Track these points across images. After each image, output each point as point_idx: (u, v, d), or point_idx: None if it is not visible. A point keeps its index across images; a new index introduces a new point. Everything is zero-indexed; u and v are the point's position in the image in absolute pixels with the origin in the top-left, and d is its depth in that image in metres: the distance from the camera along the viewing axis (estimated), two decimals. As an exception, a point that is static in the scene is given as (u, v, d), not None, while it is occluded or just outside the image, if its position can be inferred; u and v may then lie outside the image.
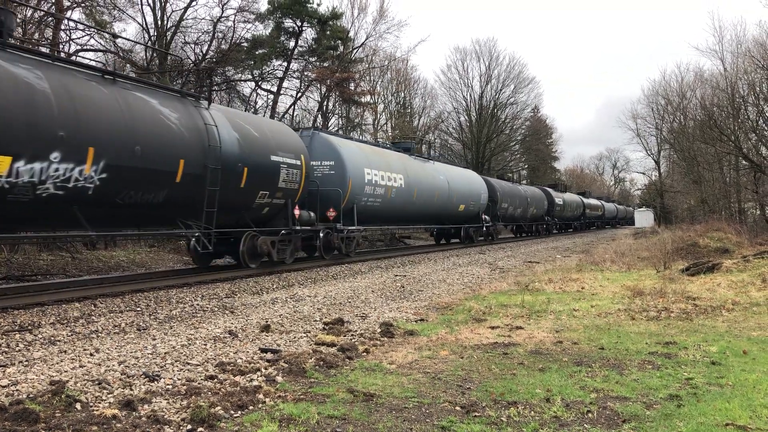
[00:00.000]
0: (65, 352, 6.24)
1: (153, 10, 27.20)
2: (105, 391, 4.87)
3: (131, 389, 4.95)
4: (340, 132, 34.04)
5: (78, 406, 4.48)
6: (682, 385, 5.18)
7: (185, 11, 27.93)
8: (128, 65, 26.46)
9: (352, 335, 7.32)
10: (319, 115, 37.40)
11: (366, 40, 38.89)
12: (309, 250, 17.64)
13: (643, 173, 65.87)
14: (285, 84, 34.37)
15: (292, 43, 33.41)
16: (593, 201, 60.80)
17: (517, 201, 34.80)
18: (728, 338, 7.06)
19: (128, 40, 20.50)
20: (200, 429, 4.11)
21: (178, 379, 5.27)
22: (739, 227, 22.43)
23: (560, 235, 45.46)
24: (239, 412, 4.47)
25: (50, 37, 21.82)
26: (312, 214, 15.97)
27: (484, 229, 29.40)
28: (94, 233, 10.23)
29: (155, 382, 5.16)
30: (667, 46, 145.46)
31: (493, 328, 7.74)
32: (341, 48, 36.02)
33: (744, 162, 27.80)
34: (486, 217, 29.25)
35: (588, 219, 57.48)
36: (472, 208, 27.57)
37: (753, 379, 5.28)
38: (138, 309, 9.03)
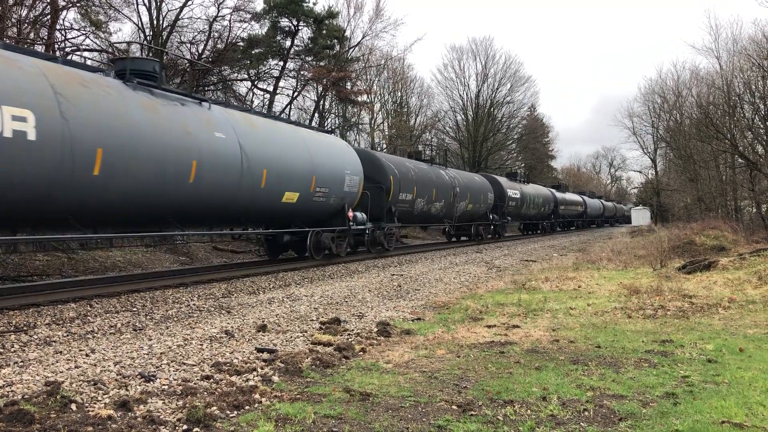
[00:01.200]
0: (61, 352, 6.22)
1: (149, 9, 27.12)
2: (100, 392, 4.85)
3: (127, 390, 4.94)
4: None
5: (73, 406, 4.46)
6: (678, 383, 5.19)
7: (181, 11, 27.86)
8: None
9: (349, 335, 7.31)
10: (316, 114, 37.38)
11: (362, 39, 38.94)
12: None
13: (640, 171, 65.93)
14: (281, 83, 34.37)
15: (288, 43, 33.39)
16: (571, 196, 51.82)
17: (434, 191, 23.62)
18: (724, 336, 7.07)
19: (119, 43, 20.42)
20: (196, 429, 4.09)
21: (174, 380, 5.25)
22: (735, 225, 22.50)
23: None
24: (235, 412, 4.45)
25: (45, 37, 21.75)
26: None
27: (367, 236, 19.07)
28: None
29: (151, 383, 5.14)
30: (663, 44, 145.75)
31: (489, 326, 7.74)
32: (337, 47, 36.01)
33: (740, 160, 27.87)
34: (359, 214, 18.21)
35: (563, 218, 48.43)
36: (321, 200, 15.83)
37: (749, 377, 5.29)
38: (134, 309, 9.00)
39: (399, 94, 50.24)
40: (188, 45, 29.85)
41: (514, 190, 34.68)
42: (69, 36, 23.86)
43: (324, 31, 33.94)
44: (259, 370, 5.61)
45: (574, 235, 41.86)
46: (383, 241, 20.08)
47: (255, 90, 34.25)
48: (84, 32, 24.14)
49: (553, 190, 45.95)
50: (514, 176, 38.93)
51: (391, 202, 20.23)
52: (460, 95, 56.55)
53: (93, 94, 9.95)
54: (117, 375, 5.35)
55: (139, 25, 27.79)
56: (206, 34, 29.53)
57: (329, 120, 40.11)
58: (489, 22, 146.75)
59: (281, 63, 33.52)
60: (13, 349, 6.37)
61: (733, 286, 10.60)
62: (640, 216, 67.97)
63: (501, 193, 32.45)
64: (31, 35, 21.65)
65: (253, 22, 31.93)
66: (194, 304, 9.52)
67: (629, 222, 76.17)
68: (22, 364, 5.75)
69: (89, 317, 8.30)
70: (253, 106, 33.34)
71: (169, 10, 28.31)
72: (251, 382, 5.20)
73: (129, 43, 25.90)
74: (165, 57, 26.57)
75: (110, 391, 4.87)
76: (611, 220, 72.77)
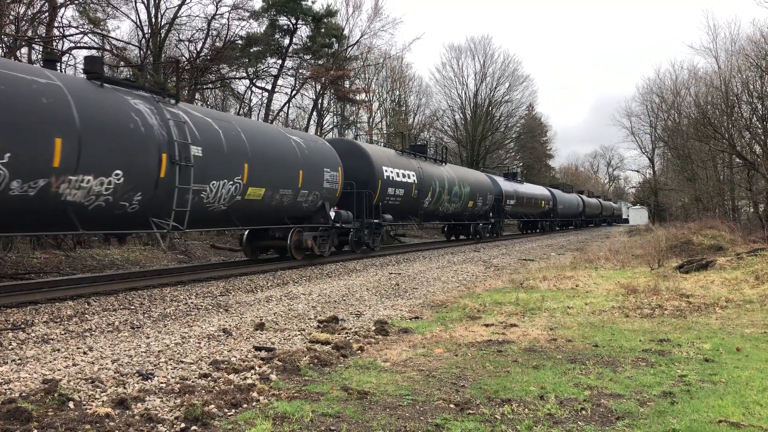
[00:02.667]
0: (58, 350, 6.22)
1: (147, 7, 27.05)
2: (98, 390, 4.85)
3: (125, 388, 4.93)
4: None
5: (71, 404, 4.46)
6: (675, 382, 5.20)
7: (179, 8, 27.79)
8: (122, 63, 26.36)
9: (347, 333, 7.32)
10: (314, 113, 37.36)
11: (361, 37, 38.92)
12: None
13: (638, 171, 65.94)
14: (280, 82, 34.34)
15: (286, 41, 33.34)
16: (530, 188, 39.18)
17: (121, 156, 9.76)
18: (721, 335, 7.09)
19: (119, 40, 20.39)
20: (194, 427, 4.10)
21: (172, 378, 5.25)
22: (732, 225, 22.55)
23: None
24: (233, 410, 4.45)
25: (43, 35, 21.70)
26: None
27: None
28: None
29: (149, 381, 5.14)
30: (661, 44, 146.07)
31: (487, 325, 7.74)
32: (336, 46, 35.98)
33: (738, 160, 27.89)
34: None
35: (517, 217, 37.80)
36: None
37: (746, 376, 5.30)
38: (132, 307, 9.00)
39: (397, 92, 50.35)
40: (186, 43, 29.83)
41: (404, 171, 20.64)
42: (67, 33, 23.83)
43: (323, 30, 33.91)
44: (257, 368, 5.61)
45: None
46: None
47: (253, 88, 34.26)
48: (82, 30, 24.10)
49: (499, 179, 33.19)
50: (420, 150, 23.78)
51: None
52: (459, 94, 56.61)
53: None
54: (115, 373, 5.34)
55: (138, 22, 27.76)
56: (204, 32, 29.50)
57: (327, 119, 40.13)
58: (487, 21, 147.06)
59: (280, 61, 33.49)
60: (10, 347, 6.36)
61: (730, 285, 10.62)
62: (638, 215, 68.06)
63: (369, 174, 18.57)
64: (29, 33, 21.60)
65: (251, 21, 31.92)
66: (192, 303, 9.52)
67: (622, 221, 75.88)
68: (19, 361, 5.75)
69: (87, 315, 8.29)
70: (252, 104, 33.36)
71: (167, 8, 28.27)
72: (249, 381, 5.20)
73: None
74: (162, 56, 26.55)
75: (108, 389, 4.87)
76: (596, 219, 63.21)
